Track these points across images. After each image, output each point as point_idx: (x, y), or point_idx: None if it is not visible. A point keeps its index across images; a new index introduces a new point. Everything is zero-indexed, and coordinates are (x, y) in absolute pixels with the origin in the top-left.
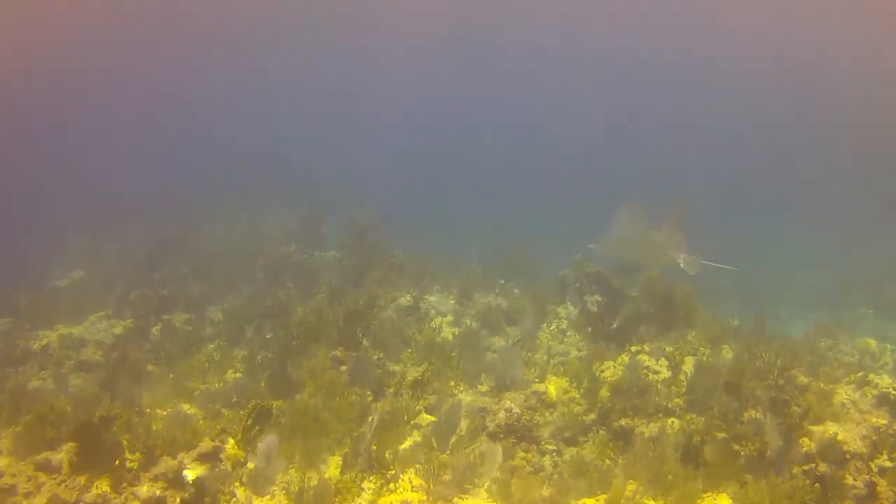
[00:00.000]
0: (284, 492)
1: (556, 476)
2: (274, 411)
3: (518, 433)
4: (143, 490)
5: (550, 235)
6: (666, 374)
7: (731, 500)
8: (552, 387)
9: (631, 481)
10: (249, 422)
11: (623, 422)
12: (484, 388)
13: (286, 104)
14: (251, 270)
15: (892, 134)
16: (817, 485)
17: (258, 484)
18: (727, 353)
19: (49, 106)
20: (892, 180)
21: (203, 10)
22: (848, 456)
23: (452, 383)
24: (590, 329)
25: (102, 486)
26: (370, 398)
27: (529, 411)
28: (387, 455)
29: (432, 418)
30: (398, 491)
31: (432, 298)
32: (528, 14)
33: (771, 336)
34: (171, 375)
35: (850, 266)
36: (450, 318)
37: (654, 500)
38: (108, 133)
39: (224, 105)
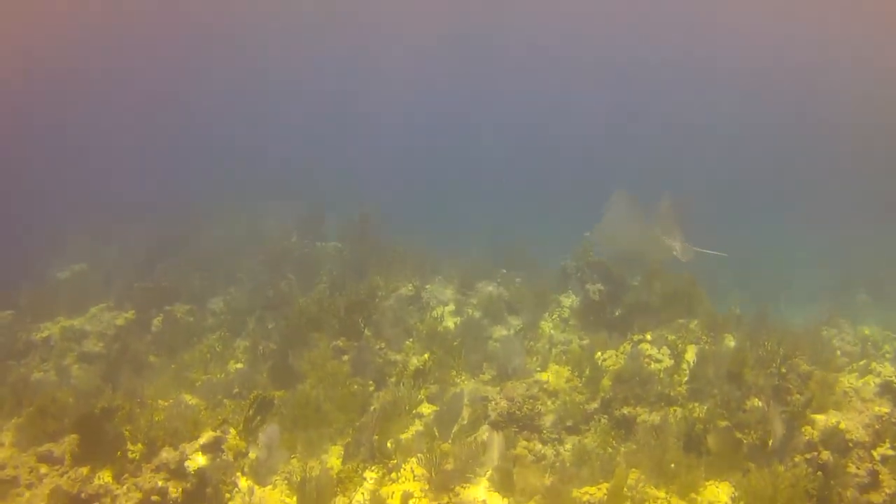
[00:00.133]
0: (286, 482)
1: (557, 464)
2: (276, 402)
3: (520, 422)
4: (145, 481)
5: (550, 235)
6: (668, 362)
7: (733, 489)
8: (554, 376)
9: (633, 470)
10: (251, 412)
11: (625, 410)
12: (486, 377)
13: (286, 104)
14: (252, 263)
15: (893, 133)
16: (820, 473)
17: (260, 474)
18: (729, 342)
19: (49, 106)
20: (892, 180)
21: (203, 10)
22: (850, 444)
23: (454, 372)
24: (591, 318)
25: (104, 478)
26: (372, 388)
27: (531, 400)
28: (388, 445)
29: (434, 407)
30: (400, 480)
31: (434, 288)
32: (528, 14)
33: (773, 325)
34: (172, 366)
35: (850, 264)
36: (451, 307)
37: (656, 488)
38: (107, 133)
39: (224, 105)
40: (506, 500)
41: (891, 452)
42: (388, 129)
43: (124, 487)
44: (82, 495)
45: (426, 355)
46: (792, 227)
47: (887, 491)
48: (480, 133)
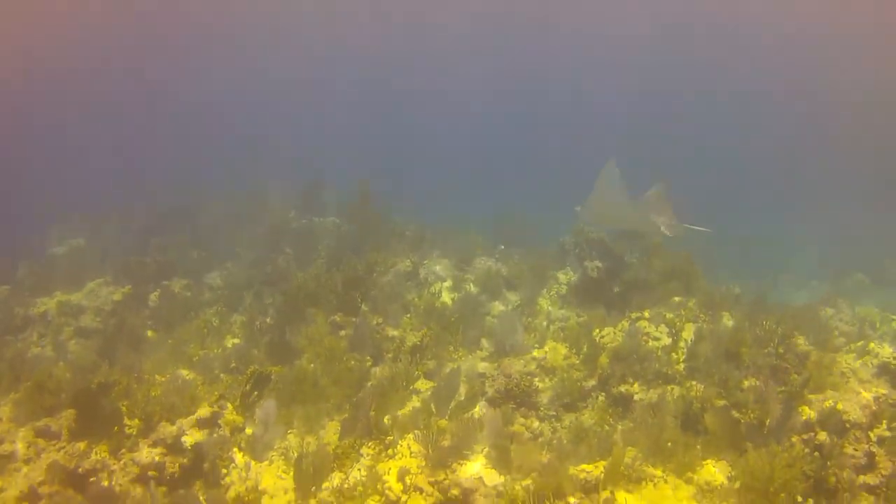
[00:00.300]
0: (283, 457)
1: (555, 442)
2: (272, 377)
3: (517, 399)
4: (142, 456)
5: (550, 210)
6: (666, 340)
7: (730, 468)
8: (552, 352)
9: (630, 448)
10: (248, 387)
11: (622, 388)
12: (483, 354)
13: (286, 94)
14: (250, 238)
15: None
16: (817, 454)
17: (257, 449)
18: (727, 321)
19: (50, 94)
20: (891, 161)
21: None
22: (848, 425)
23: (451, 348)
24: (590, 294)
25: (101, 453)
26: (369, 363)
27: (528, 377)
28: (385, 421)
29: (431, 384)
30: (397, 457)
31: (431, 264)
32: None
33: (772, 304)
34: (169, 341)
35: (849, 245)
36: (449, 283)
37: (653, 467)
38: (106, 127)
39: (224, 97)
40: (502, 476)
41: (887, 434)
42: (385, 104)
43: (121, 462)
44: (79, 470)
45: (423, 331)
46: (791, 208)
47: (883, 472)
48: (477, 109)
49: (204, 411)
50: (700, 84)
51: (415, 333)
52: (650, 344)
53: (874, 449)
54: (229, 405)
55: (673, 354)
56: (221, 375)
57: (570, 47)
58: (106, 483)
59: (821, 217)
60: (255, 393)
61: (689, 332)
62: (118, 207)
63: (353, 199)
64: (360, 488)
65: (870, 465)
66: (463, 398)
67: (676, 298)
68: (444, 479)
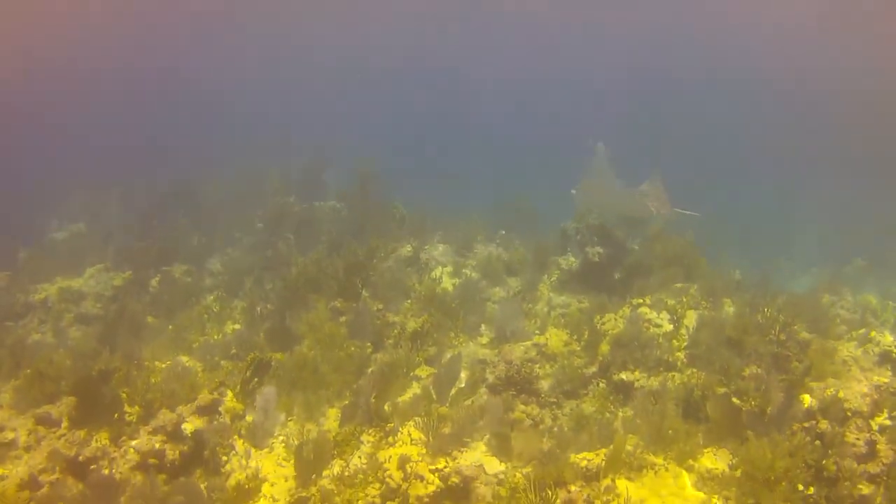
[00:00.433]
0: (283, 444)
1: (555, 429)
2: (273, 364)
3: (518, 385)
4: (143, 443)
5: (551, 195)
6: (667, 327)
7: (731, 456)
8: (553, 339)
9: (631, 436)
10: (248, 374)
11: (623, 375)
12: (484, 340)
13: (288, 66)
14: (251, 222)
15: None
16: (818, 442)
17: (257, 437)
18: (728, 308)
19: (48, 84)
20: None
21: None
22: (849, 414)
23: (452, 335)
24: (591, 280)
25: (102, 440)
26: (370, 350)
27: (529, 363)
28: (386, 408)
29: (432, 370)
30: (397, 444)
31: (433, 249)
32: None
33: (773, 291)
34: (169, 327)
35: (849, 231)
36: (450, 268)
37: (654, 455)
38: (106, 106)
39: (225, 68)
40: (503, 464)
41: (889, 422)
42: (384, 87)
43: (122, 450)
44: (80, 458)
45: (424, 317)
46: (791, 194)
47: (884, 461)
48: (479, 92)
49: (204, 398)
50: (702, 70)
51: (415, 319)
52: (651, 331)
53: (875, 437)
54: (229, 392)
55: (674, 341)
56: (222, 362)
57: (572, 38)
58: (106, 471)
59: (819, 202)
60: (256, 380)
61: (690, 319)
62: (117, 187)
63: (355, 182)
64: (360, 476)
65: (871, 454)
66: (464, 385)
67: (678, 284)
68: (445, 467)
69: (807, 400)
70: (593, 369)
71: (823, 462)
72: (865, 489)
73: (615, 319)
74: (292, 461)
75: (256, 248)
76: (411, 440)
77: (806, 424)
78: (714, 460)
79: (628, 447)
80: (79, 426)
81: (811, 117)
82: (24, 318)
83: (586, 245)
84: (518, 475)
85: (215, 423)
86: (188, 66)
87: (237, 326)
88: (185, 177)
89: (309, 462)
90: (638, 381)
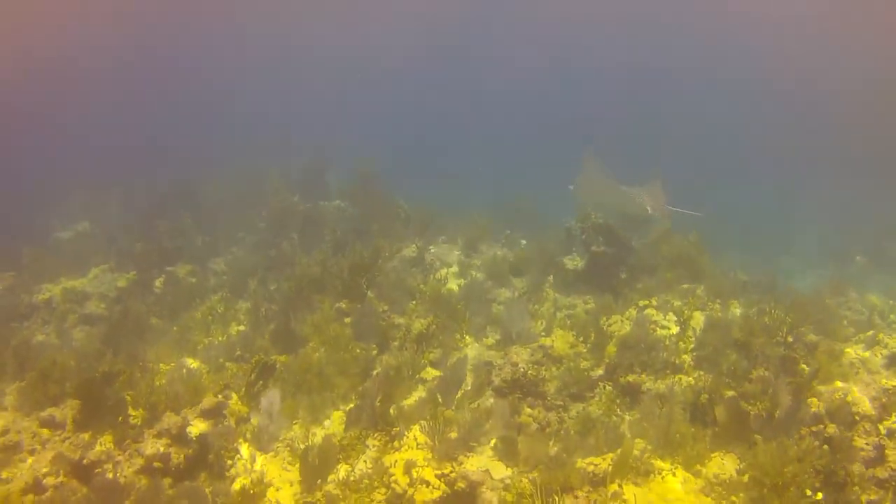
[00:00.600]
0: (288, 448)
1: (562, 433)
2: (278, 366)
3: (524, 388)
4: (147, 447)
5: (555, 193)
6: (674, 329)
7: (739, 461)
8: (559, 341)
9: (638, 440)
10: (253, 377)
11: (630, 378)
12: (490, 342)
13: (286, 65)
14: (254, 222)
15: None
16: (826, 447)
17: (262, 440)
18: (735, 309)
19: (47, 83)
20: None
21: None
22: (857, 417)
23: (458, 336)
24: (596, 281)
25: (106, 443)
26: (375, 352)
27: (536, 366)
28: (391, 411)
29: (437, 373)
30: (403, 449)
31: (437, 249)
32: None
33: (780, 292)
34: (174, 328)
35: (849, 229)
36: (455, 269)
37: (661, 459)
38: (106, 105)
39: (224, 68)
40: (509, 469)
41: None
42: (384, 87)
43: (126, 453)
44: (84, 461)
45: (429, 319)
46: (790, 194)
47: (893, 466)
48: (479, 92)
49: (209, 401)
50: (701, 70)
51: (421, 321)
52: (658, 332)
53: (884, 441)
54: (234, 395)
55: (681, 343)
56: (226, 364)
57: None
58: (111, 475)
59: (819, 202)
60: (261, 382)
61: (697, 321)
62: (118, 187)
63: (358, 182)
64: (366, 481)
65: (879, 459)
66: (469, 388)
67: (684, 285)
68: (451, 472)
69: (815, 403)
70: (600, 372)
71: (832, 467)
72: (874, 494)
73: (621, 321)
74: (297, 465)
75: (260, 247)
76: (417, 444)
77: (814, 428)
78: (722, 465)
79: (635, 452)
80: (83, 429)
81: (811, 117)
82: (29, 318)
83: (591, 245)
84: (524, 480)
85: (220, 426)
86: (188, 66)
87: (242, 328)
88: (186, 177)
89: (314, 466)
90: (645, 384)
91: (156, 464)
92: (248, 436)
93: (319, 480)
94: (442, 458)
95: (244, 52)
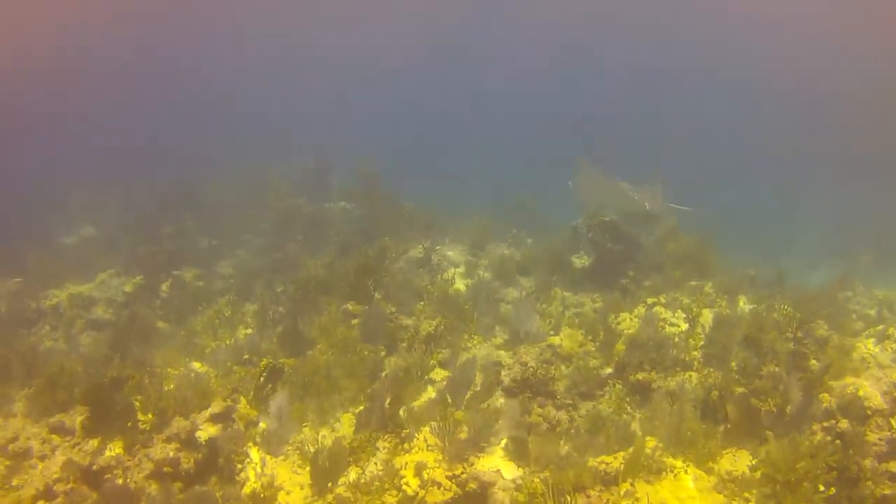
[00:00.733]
0: (298, 451)
1: (572, 431)
2: (286, 369)
3: (533, 387)
4: (157, 452)
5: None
6: (683, 326)
7: (751, 457)
8: (567, 339)
9: (649, 438)
10: (261, 380)
11: (640, 376)
12: (498, 341)
13: (288, 66)
14: (260, 224)
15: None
16: (838, 442)
17: (272, 444)
18: (744, 305)
19: (47, 84)
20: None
21: None
22: (869, 412)
23: (466, 336)
24: (604, 279)
25: (116, 449)
26: (383, 353)
27: (545, 365)
28: (401, 413)
29: (446, 373)
30: (413, 450)
31: (444, 249)
32: None
33: (789, 287)
34: (181, 332)
35: (851, 225)
36: (462, 269)
37: (673, 457)
38: (105, 106)
39: (225, 70)
40: (521, 469)
41: None
42: (384, 86)
43: (136, 459)
44: (94, 467)
45: (437, 319)
46: (790, 194)
47: None
48: (479, 91)
49: (218, 406)
50: (701, 70)
51: (429, 322)
52: (667, 330)
53: None
54: (243, 399)
55: (690, 340)
56: (234, 368)
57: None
58: (121, 480)
59: (819, 201)
60: (269, 386)
61: (705, 318)
62: (119, 188)
63: (362, 183)
64: (376, 483)
65: (892, 453)
66: (479, 388)
67: (692, 282)
68: (462, 473)
69: (826, 399)
70: (609, 370)
71: (844, 462)
72: (887, 489)
73: (630, 319)
74: (308, 468)
75: (266, 250)
76: (427, 446)
77: (826, 424)
78: (734, 462)
79: (647, 450)
80: (92, 435)
81: (811, 117)
82: (36, 324)
83: (598, 243)
84: (536, 480)
85: (229, 430)
86: (188, 66)
87: (249, 331)
88: (187, 177)
89: (325, 469)
90: (655, 381)
91: (165, 469)
92: (258, 439)
93: (330, 483)
94: (453, 460)
95: (244, 52)
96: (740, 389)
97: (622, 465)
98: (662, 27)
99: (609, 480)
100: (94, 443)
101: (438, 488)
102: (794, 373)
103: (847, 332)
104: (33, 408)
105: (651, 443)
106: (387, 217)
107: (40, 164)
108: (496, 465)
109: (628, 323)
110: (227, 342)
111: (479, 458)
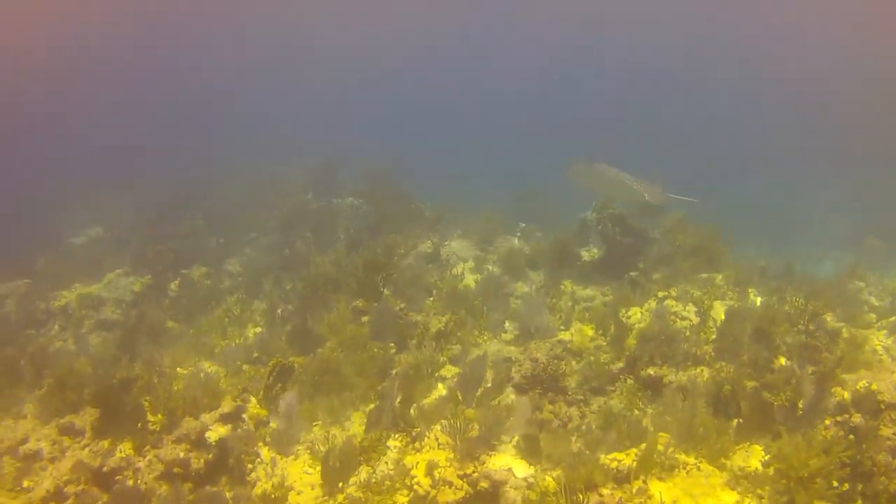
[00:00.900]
0: (309, 451)
1: (584, 428)
2: (296, 368)
3: (544, 384)
4: (167, 452)
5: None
6: (694, 319)
7: (763, 453)
8: (578, 334)
9: (661, 434)
10: (271, 380)
11: (651, 370)
12: (508, 337)
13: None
14: (268, 221)
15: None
16: (851, 437)
17: (282, 444)
18: (754, 298)
19: (57, 81)
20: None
21: None
22: (882, 406)
23: (476, 332)
24: (614, 272)
25: (126, 450)
26: (393, 350)
27: (555, 360)
28: (411, 412)
29: (456, 370)
30: (424, 449)
31: (453, 244)
32: None
33: (799, 279)
34: (190, 331)
35: (861, 212)
36: (471, 263)
37: (685, 453)
38: (109, 106)
39: (228, 69)
40: (532, 467)
41: None
42: (384, 85)
43: (146, 460)
44: (104, 469)
45: (447, 315)
46: (789, 193)
47: None
48: (478, 91)
49: (227, 406)
50: (701, 68)
51: (439, 318)
52: (678, 324)
53: None
54: (252, 398)
55: (702, 334)
56: (244, 367)
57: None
58: (131, 481)
59: (820, 199)
60: (279, 385)
61: (717, 311)
62: (127, 189)
63: (370, 179)
64: (387, 483)
65: None
66: (490, 385)
67: (703, 275)
68: (473, 472)
69: (839, 393)
70: (620, 365)
71: (858, 457)
72: None
73: (641, 313)
74: (318, 468)
75: (274, 247)
76: (438, 444)
77: (839, 418)
78: (746, 458)
79: (659, 447)
80: (102, 436)
81: (810, 117)
82: (45, 325)
83: (608, 235)
84: (548, 478)
85: (239, 430)
86: (188, 66)
87: (258, 329)
88: (193, 176)
89: (335, 469)
90: (666, 376)
91: (176, 469)
92: (268, 439)
93: (341, 483)
94: (464, 458)
95: (244, 52)
96: (752, 383)
97: (634, 462)
98: (662, 27)
99: (621, 478)
100: (104, 444)
101: (450, 487)
102: (807, 366)
103: (859, 323)
104: (43, 409)
105: (663, 439)
106: (395, 213)
107: (47, 165)
108: (508, 463)
109: (639, 317)
110: (237, 341)
111: (490, 456)
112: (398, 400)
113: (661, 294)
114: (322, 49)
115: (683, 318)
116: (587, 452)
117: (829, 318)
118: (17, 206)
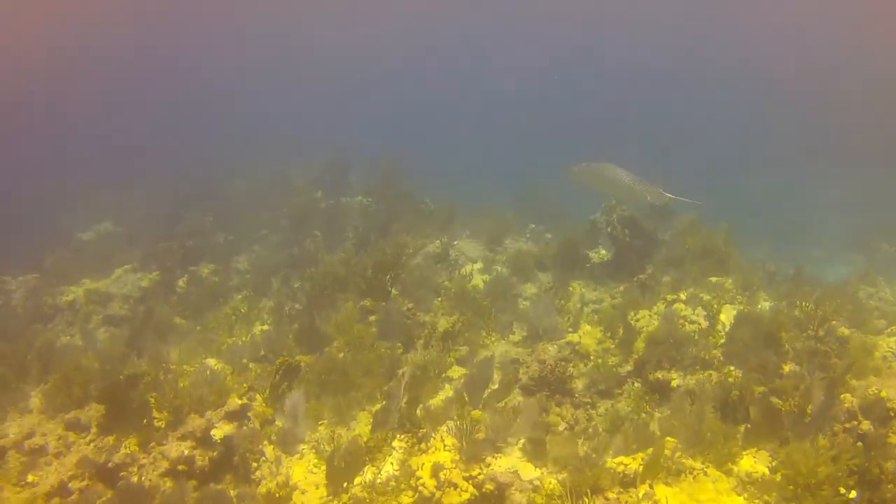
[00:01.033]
0: (314, 450)
1: (590, 431)
2: (302, 367)
3: (552, 386)
4: (172, 449)
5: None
6: (703, 323)
7: (771, 459)
8: (586, 336)
9: (668, 438)
10: (277, 378)
11: (659, 374)
12: (516, 339)
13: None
14: (277, 219)
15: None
16: (860, 444)
17: (287, 442)
18: (764, 302)
19: (61, 80)
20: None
21: None
22: (891, 413)
23: (484, 333)
24: (623, 274)
25: (131, 446)
26: (400, 350)
27: (563, 363)
28: (418, 412)
29: (464, 371)
30: (430, 451)
31: (462, 244)
32: None
33: (809, 283)
34: (197, 328)
35: (867, 214)
36: (480, 264)
37: (692, 458)
38: (118, 107)
39: (233, 68)
40: (538, 470)
41: None
42: (385, 85)
43: (151, 456)
44: (109, 465)
45: (455, 316)
46: (789, 192)
47: None
48: (479, 90)
49: (233, 403)
50: (701, 68)
51: (447, 318)
52: (687, 327)
53: None
54: (258, 397)
55: (710, 338)
56: (250, 365)
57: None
58: (136, 478)
59: (828, 184)
60: (285, 384)
61: (726, 315)
62: (136, 187)
63: (379, 178)
64: (392, 484)
65: None
66: (497, 386)
67: (713, 278)
68: (479, 474)
69: (848, 399)
70: (628, 368)
71: (866, 465)
72: None
73: (649, 316)
74: (323, 468)
75: (283, 245)
76: (444, 446)
77: (848, 425)
78: (753, 463)
79: (666, 451)
80: (108, 432)
81: (810, 117)
82: (52, 320)
83: (617, 237)
84: (553, 481)
85: (245, 428)
86: (188, 66)
87: (265, 327)
88: (203, 175)
89: (340, 469)
90: (674, 380)
91: (180, 467)
92: (273, 438)
93: (346, 483)
94: (470, 460)
95: (244, 52)
96: (761, 389)
97: (641, 467)
98: (662, 27)
99: (627, 482)
100: (109, 440)
101: (455, 489)
102: (816, 372)
103: (868, 329)
104: (49, 404)
105: (670, 443)
106: (404, 212)
107: (46, 165)
108: (514, 465)
109: (647, 320)
110: (244, 339)
111: (496, 458)
112: (404, 400)
113: (670, 297)
114: (322, 49)
115: (692, 322)
116: (593, 456)
117: (838, 323)
118: (20, 204)
